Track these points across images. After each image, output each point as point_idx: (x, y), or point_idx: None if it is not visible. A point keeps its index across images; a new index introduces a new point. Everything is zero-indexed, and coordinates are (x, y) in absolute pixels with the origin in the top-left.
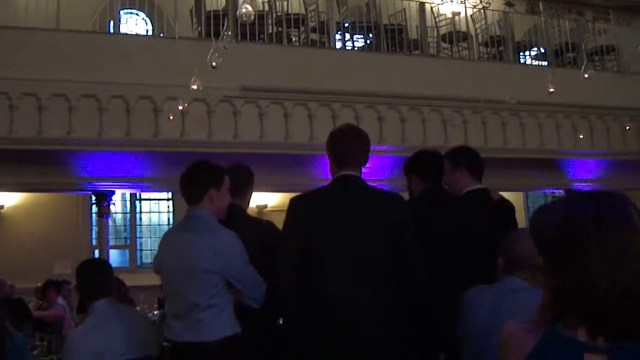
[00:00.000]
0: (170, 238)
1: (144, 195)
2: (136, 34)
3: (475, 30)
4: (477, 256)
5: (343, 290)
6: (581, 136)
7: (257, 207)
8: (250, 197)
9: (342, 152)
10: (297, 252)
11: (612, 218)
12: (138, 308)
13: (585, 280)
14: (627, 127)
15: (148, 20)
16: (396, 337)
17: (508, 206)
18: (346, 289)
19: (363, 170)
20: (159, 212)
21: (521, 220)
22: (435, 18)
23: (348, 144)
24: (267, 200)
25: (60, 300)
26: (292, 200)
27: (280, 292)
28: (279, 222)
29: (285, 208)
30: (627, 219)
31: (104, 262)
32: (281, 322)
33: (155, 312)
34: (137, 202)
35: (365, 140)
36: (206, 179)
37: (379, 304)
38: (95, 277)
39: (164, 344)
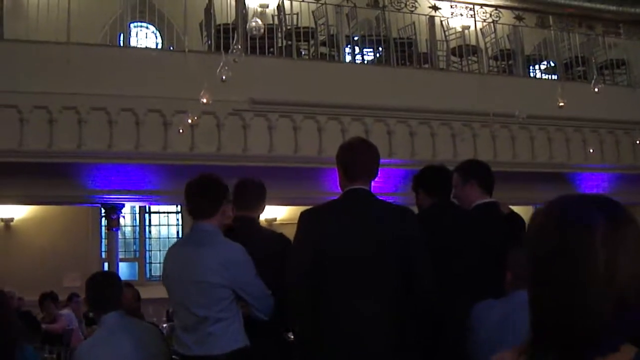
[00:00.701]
0: (178, 252)
1: (153, 208)
2: (146, 47)
3: (485, 43)
4: (487, 270)
5: (349, 304)
6: (591, 150)
7: (267, 220)
8: (262, 211)
9: (352, 166)
10: (307, 265)
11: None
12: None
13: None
14: (638, 142)
15: (158, 34)
16: (402, 352)
17: (517, 220)
18: (352, 303)
19: (373, 183)
20: (168, 225)
21: None
22: (445, 32)
23: (358, 157)
24: (276, 213)
25: (66, 312)
26: (302, 213)
27: (290, 303)
28: (289, 234)
29: (295, 221)
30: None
31: (113, 274)
32: (289, 334)
33: (164, 325)
34: (147, 215)
35: (375, 153)
36: (220, 194)
37: (385, 318)
38: (105, 290)
39: (173, 357)
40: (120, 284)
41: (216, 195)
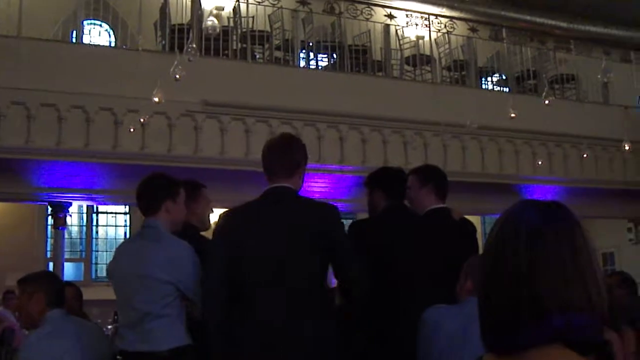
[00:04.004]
0: (125, 247)
1: (101, 208)
2: (98, 45)
3: (439, 54)
4: (440, 274)
5: (264, 311)
6: (540, 162)
7: (214, 223)
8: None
9: (266, 162)
10: (222, 270)
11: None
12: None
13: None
14: (585, 155)
15: (111, 32)
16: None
17: (469, 226)
18: (266, 309)
19: (322, 189)
20: (116, 226)
21: (479, 244)
22: (399, 40)
23: (270, 153)
24: None
25: (3, 311)
26: (220, 215)
27: (205, 314)
28: None
29: None
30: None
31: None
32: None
33: (109, 326)
34: (94, 215)
35: (291, 148)
36: (163, 191)
37: (303, 327)
38: (52, 289)
39: (117, 357)
40: (61, 283)
41: (157, 191)
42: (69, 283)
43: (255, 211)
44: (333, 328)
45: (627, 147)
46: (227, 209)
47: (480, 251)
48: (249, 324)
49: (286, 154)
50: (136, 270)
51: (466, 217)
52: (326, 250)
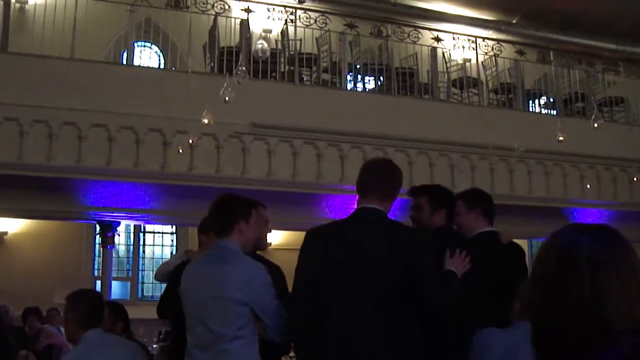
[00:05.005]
0: (198, 269)
1: (148, 227)
2: (149, 67)
3: (486, 76)
4: (489, 298)
5: (341, 337)
6: (588, 186)
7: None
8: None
9: (360, 182)
10: (307, 289)
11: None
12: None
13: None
14: (635, 179)
15: (161, 55)
16: None
17: (518, 249)
18: (346, 337)
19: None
20: (162, 245)
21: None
22: (446, 63)
23: (368, 175)
24: (271, 238)
25: (50, 327)
26: (307, 232)
27: (291, 331)
28: (284, 260)
29: (290, 247)
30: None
31: (94, 292)
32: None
33: (154, 345)
34: (141, 234)
35: (389, 171)
36: (236, 212)
37: (378, 353)
38: (85, 308)
39: None
40: (101, 302)
41: (231, 212)
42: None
43: (343, 231)
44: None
45: None
46: (313, 228)
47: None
48: (326, 345)
49: (382, 176)
50: (211, 292)
51: (514, 240)
52: (410, 277)
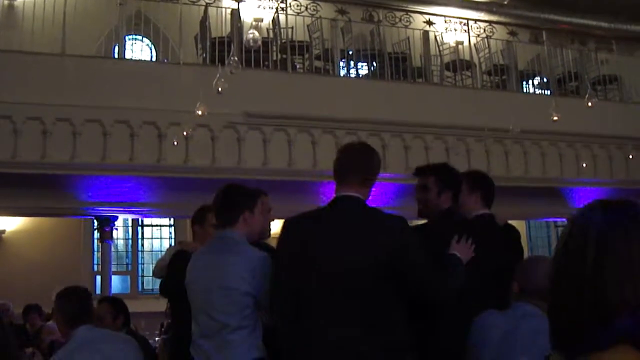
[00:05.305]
0: (201, 259)
1: (146, 221)
2: (140, 60)
3: (479, 59)
4: (488, 280)
5: (319, 328)
6: (584, 164)
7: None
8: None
9: (337, 167)
10: (287, 281)
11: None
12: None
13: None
14: (630, 156)
15: (152, 47)
16: None
17: (514, 231)
18: (323, 328)
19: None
20: (161, 238)
21: (524, 248)
22: (439, 46)
23: (345, 159)
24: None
25: (51, 323)
26: (285, 220)
27: (274, 322)
28: None
29: None
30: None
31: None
32: None
33: (157, 338)
34: (139, 228)
35: (366, 155)
36: (241, 202)
37: (355, 340)
38: (71, 307)
39: None
40: (90, 299)
41: (235, 202)
42: (106, 298)
43: (321, 220)
44: (395, 343)
45: None
46: (290, 217)
47: (526, 256)
48: (302, 333)
49: (356, 161)
50: (217, 283)
51: (510, 222)
52: (395, 269)
